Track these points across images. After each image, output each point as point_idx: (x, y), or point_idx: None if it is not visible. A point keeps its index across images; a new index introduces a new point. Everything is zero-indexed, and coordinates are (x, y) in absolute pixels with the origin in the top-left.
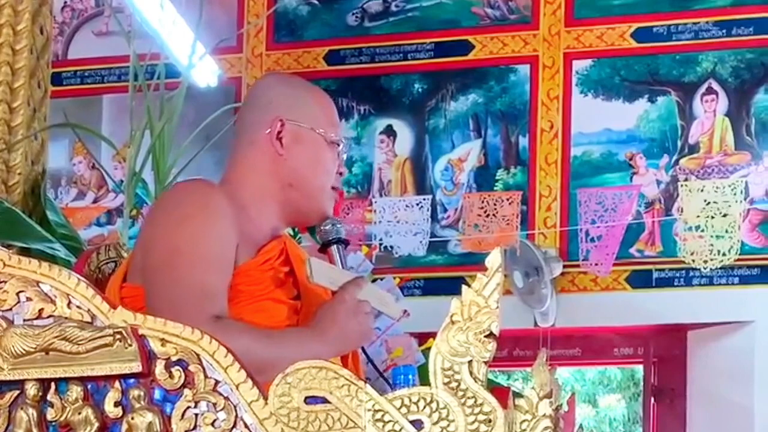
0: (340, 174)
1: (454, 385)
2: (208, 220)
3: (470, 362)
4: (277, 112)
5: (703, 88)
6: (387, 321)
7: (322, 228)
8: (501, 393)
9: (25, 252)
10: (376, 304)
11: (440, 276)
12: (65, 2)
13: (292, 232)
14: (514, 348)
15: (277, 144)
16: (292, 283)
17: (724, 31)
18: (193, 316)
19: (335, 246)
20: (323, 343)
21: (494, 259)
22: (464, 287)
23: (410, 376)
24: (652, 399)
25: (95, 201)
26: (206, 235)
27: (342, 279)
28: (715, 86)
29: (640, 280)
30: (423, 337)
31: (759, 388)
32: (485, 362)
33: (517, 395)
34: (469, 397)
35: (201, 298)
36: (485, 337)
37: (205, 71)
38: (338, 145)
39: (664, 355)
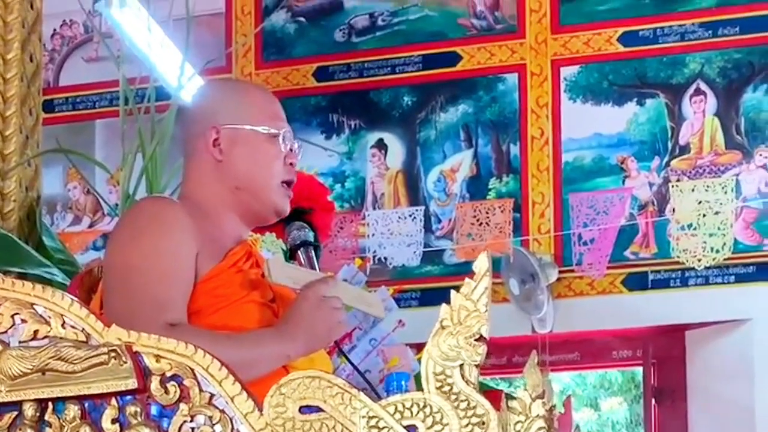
0: (291, 165)
1: (446, 389)
2: (161, 234)
3: (462, 366)
4: (211, 119)
5: (691, 89)
6: (382, 331)
7: (288, 234)
8: (494, 395)
9: (22, 278)
10: (354, 302)
11: (436, 286)
12: (55, 30)
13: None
14: (513, 355)
15: (216, 151)
16: (269, 286)
17: (710, 31)
18: (145, 326)
19: (301, 249)
20: (289, 341)
21: (481, 263)
22: (453, 292)
23: (403, 383)
24: (653, 400)
25: (91, 225)
26: (159, 247)
27: (307, 278)
28: (704, 87)
29: (636, 282)
30: (421, 347)
31: (759, 385)
32: (476, 365)
33: (510, 397)
34: (462, 401)
35: (154, 308)
36: (475, 340)
37: (195, 92)
38: (280, 136)
39: (663, 356)
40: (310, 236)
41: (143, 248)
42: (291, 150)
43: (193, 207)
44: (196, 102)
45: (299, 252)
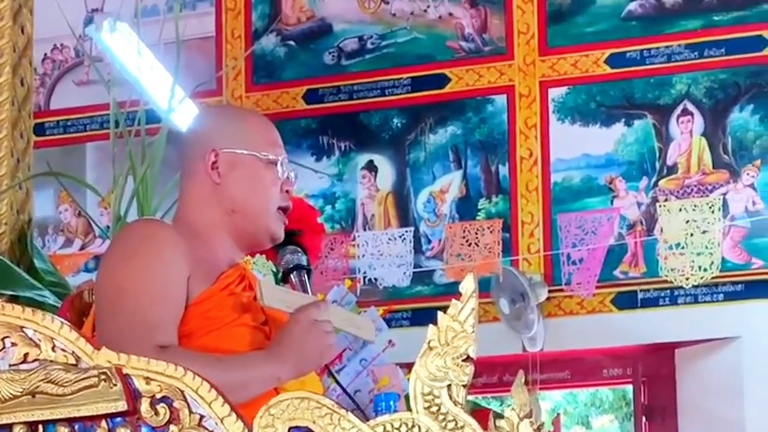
0: (287, 192)
1: (434, 409)
2: (152, 255)
3: (449, 386)
4: (211, 142)
5: (678, 110)
6: (373, 352)
7: (281, 257)
8: (482, 415)
9: (14, 300)
10: (345, 326)
11: (427, 306)
12: (46, 54)
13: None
14: (504, 374)
15: (214, 174)
16: (261, 309)
17: (696, 53)
18: (136, 348)
19: (294, 272)
20: (280, 363)
21: (468, 284)
22: (440, 313)
23: (392, 403)
24: (644, 418)
25: (82, 247)
26: (150, 269)
27: (299, 302)
28: (690, 107)
29: (626, 301)
30: (412, 367)
31: (748, 402)
32: (464, 386)
33: (498, 416)
34: (449, 421)
35: (145, 331)
36: (463, 361)
37: (185, 115)
38: (277, 164)
39: (653, 375)
40: (303, 260)
41: (134, 270)
42: (288, 178)
43: (187, 229)
44: (196, 124)
45: (292, 275)
